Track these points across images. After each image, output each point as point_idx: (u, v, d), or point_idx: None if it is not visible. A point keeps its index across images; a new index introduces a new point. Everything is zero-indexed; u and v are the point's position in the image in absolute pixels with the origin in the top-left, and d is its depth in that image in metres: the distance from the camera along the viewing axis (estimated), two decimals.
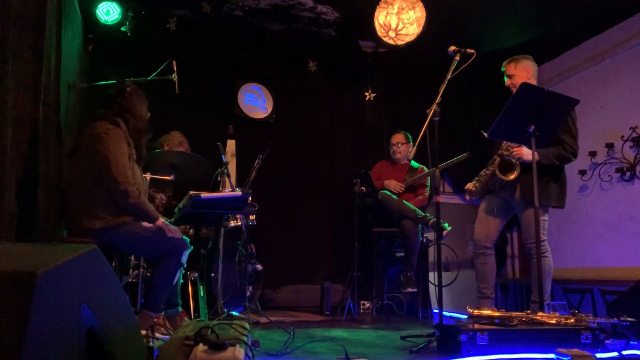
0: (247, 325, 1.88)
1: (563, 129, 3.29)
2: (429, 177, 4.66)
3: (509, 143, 3.41)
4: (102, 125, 2.68)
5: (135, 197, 2.63)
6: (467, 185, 3.70)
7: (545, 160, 3.26)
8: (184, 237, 2.84)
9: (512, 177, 3.33)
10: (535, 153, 3.23)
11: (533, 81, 3.47)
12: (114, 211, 2.64)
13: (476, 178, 3.64)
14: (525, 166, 3.29)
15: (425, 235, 4.57)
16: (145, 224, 2.72)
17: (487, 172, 3.55)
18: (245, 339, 1.66)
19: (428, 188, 4.67)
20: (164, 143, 4.08)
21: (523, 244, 3.53)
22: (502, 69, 3.57)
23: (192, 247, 2.88)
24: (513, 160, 3.34)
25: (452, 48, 2.97)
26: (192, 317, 3.35)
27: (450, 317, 2.85)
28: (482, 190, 3.59)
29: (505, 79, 3.56)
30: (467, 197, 3.72)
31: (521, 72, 3.50)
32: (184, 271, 2.92)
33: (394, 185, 4.62)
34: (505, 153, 3.39)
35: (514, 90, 3.50)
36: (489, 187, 3.56)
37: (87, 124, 2.81)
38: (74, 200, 2.68)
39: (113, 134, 2.65)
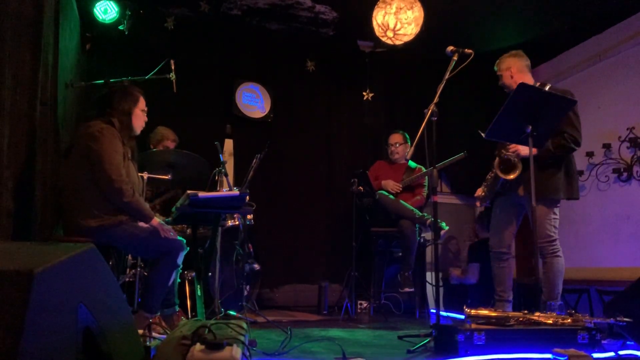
0: (244, 325, 1.88)
1: (564, 120, 3.19)
2: (426, 177, 4.66)
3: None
4: (96, 125, 2.68)
5: (130, 196, 2.62)
6: (477, 191, 3.60)
7: (544, 152, 3.18)
8: (180, 238, 2.84)
9: (513, 175, 3.25)
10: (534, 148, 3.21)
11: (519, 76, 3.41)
12: (110, 210, 2.64)
13: (484, 183, 3.55)
14: (527, 161, 3.20)
15: (422, 235, 4.57)
16: (141, 224, 2.72)
17: (492, 175, 3.47)
18: (242, 338, 1.66)
19: (426, 188, 4.68)
20: (151, 142, 4.08)
21: (533, 244, 3.43)
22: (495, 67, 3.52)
23: (188, 248, 2.88)
24: (512, 158, 3.27)
25: (450, 48, 2.97)
26: (190, 316, 3.35)
27: (448, 317, 2.85)
28: (490, 194, 3.51)
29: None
30: (478, 204, 3.64)
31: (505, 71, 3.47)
32: (180, 271, 2.92)
33: (391, 185, 4.63)
34: (503, 152, 3.33)
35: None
36: (495, 190, 3.48)
37: (81, 123, 2.82)
38: (70, 200, 2.68)
39: (107, 133, 2.65)
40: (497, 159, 3.36)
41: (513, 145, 3.26)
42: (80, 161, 2.66)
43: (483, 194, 3.56)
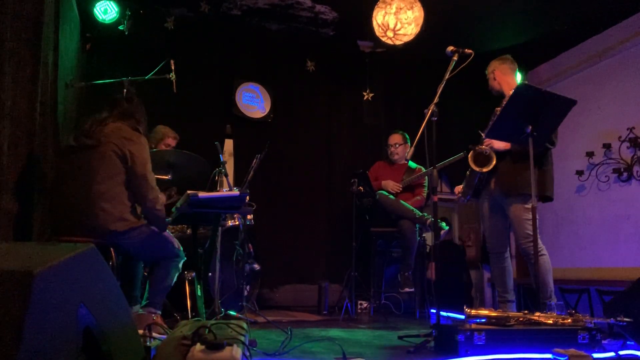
0: (244, 325, 1.88)
1: None
2: (426, 177, 4.66)
3: (484, 136, 3.35)
4: (129, 131, 2.62)
5: (162, 205, 2.69)
6: (456, 188, 3.65)
7: (518, 147, 3.17)
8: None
9: (487, 168, 3.28)
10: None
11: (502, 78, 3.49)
12: (134, 214, 2.64)
13: (464, 180, 3.59)
14: (500, 154, 3.28)
15: (422, 235, 4.57)
16: (153, 228, 2.75)
17: (469, 170, 3.49)
18: (242, 338, 1.66)
19: (426, 188, 4.67)
20: (151, 142, 4.06)
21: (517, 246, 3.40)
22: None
23: (185, 258, 2.94)
24: (485, 152, 3.29)
25: (450, 48, 2.97)
26: (190, 316, 3.35)
27: (448, 317, 2.85)
28: (468, 189, 3.52)
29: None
30: (456, 198, 3.66)
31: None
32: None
33: (391, 185, 4.63)
34: (477, 146, 3.34)
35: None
36: (474, 185, 3.48)
37: (104, 124, 2.62)
38: (96, 202, 2.50)
39: (144, 141, 2.64)
40: (470, 152, 3.36)
41: (487, 140, 3.29)
42: (112, 165, 2.53)
43: (462, 189, 3.58)
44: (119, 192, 2.54)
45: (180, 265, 2.88)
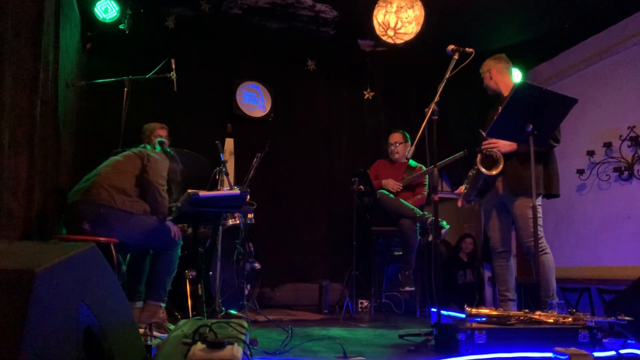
0: (245, 324, 1.88)
1: None
2: (427, 176, 4.65)
3: (485, 135, 3.32)
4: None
5: (165, 193, 2.94)
6: (459, 188, 3.62)
7: (523, 147, 3.14)
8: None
9: (496, 171, 3.25)
10: (513, 143, 3.19)
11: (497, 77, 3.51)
12: (136, 202, 2.86)
13: (466, 181, 3.55)
14: (506, 155, 3.27)
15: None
16: (155, 218, 2.89)
17: (474, 171, 3.44)
18: (243, 337, 1.66)
19: (427, 187, 4.67)
20: (144, 141, 4.03)
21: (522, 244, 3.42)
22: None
23: (182, 242, 3.08)
24: (495, 155, 3.27)
25: (451, 47, 2.96)
26: (190, 315, 3.35)
27: (449, 316, 2.85)
28: (472, 190, 3.50)
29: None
30: (459, 203, 3.63)
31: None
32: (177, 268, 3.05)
33: (391, 184, 4.62)
34: (484, 148, 3.32)
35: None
36: (478, 187, 3.46)
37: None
38: (114, 184, 2.85)
39: (164, 158, 3.21)
40: (478, 155, 3.34)
41: (493, 140, 3.26)
42: (131, 161, 2.99)
43: (465, 190, 3.55)
44: (128, 183, 2.87)
45: (179, 249, 3.03)
